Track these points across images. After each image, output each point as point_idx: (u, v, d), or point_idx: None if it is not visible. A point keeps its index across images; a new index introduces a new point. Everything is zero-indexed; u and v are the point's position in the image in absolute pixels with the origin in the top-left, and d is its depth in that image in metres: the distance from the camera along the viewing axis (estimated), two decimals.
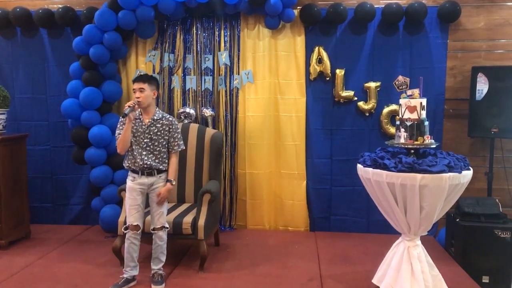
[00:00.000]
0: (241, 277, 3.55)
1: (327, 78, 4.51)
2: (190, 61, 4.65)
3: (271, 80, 4.58)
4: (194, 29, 4.63)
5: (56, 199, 4.91)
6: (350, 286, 3.37)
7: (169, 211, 3.76)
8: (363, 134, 4.55)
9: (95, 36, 4.23)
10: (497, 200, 3.88)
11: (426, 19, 4.36)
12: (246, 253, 4.05)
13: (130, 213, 3.28)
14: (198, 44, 4.64)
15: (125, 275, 3.32)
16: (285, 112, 4.58)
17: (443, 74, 4.43)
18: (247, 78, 4.60)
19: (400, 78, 3.13)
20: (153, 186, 3.29)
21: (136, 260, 3.34)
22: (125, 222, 3.39)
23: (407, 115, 3.00)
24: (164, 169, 3.31)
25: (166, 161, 3.33)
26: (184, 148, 3.43)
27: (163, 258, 3.39)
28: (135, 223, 3.26)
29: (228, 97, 4.64)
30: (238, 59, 4.61)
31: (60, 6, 4.58)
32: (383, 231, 4.43)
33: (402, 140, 3.01)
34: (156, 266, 3.37)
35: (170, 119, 3.35)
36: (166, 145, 3.33)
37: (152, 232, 3.34)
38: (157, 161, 3.27)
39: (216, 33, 4.61)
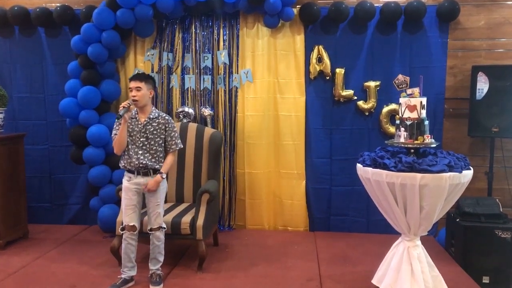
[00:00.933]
0: (240, 277, 3.53)
1: (327, 77, 4.49)
2: (189, 60, 4.63)
3: (270, 79, 4.55)
4: (193, 28, 4.61)
5: (54, 199, 4.89)
6: (349, 286, 3.35)
7: (168, 211, 3.75)
8: (363, 134, 4.52)
9: (93, 35, 4.21)
10: (497, 200, 3.86)
11: (426, 18, 4.34)
12: (245, 253, 4.03)
13: (126, 213, 3.25)
14: (197, 43, 4.61)
15: (123, 276, 3.30)
16: (285, 111, 4.56)
17: (443, 73, 4.40)
18: (246, 77, 4.58)
19: (400, 77, 3.11)
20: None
21: (134, 261, 3.32)
22: (122, 223, 3.35)
23: (407, 114, 2.97)
24: (160, 168, 3.28)
25: (163, 160, 3.30)
26: (182, 146, 3.40)
27: (161, 259, 3.37)
28: (131, 224, 3.24)
29: (227, 97, 4.62)
30: (237, 58, 4.58)
31: (58, 4, 4.56)
32: (383, 231, 4.41)
33: (402, 140, 2.99)
34: (154, 267, 3.35)
35: (166, 117, 3.31)
36: (163, 144, 3.29)
37: (149, 232, 3.31)
38: (153, 160, 3.24)
39: (215, 32, 4.59)
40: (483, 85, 4.03)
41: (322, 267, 3.73)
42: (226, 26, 4.58)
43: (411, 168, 2.76)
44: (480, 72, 4.05)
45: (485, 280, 3.59)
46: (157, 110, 3.35)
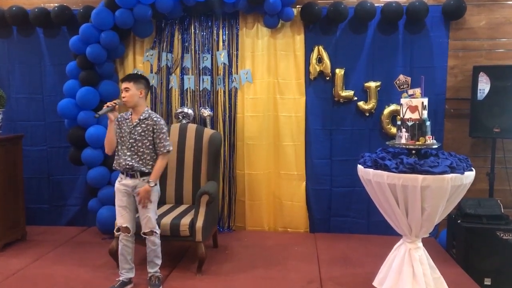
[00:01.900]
0: (240, 279, 3.50)
1: (327, 78, 4.46)
2: (188, 61, 4.60)
3: (270, 79, 4.53)
4: (192, 28, 4.58)
5: (53, 200, 4.86)
6: None
7: (167, 212, 3.72)
8: (363, 135, 4.50)
9: (92, 35, 4.18)
10: (499, 201, 3.84)
11: (427, 18, 4.31)
12: (245, 255, 4.00)
13: (119, 215, 3.22)
14: (196, 44, 4.58)
15: (121, 278, 3.27)
16: (284, 112, 4.53)
17: (444, 74, 4.38)
18: (246, 77, 4.55)
19: (401, 77, 3.08)
20: (137, 188, 3.17)
21: (132, 262, 3.29)
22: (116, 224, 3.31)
23: (408, 115, 2.95)
24: (148, 171, 3.17)
25: (151, 163, 3.19)
26: (171, 149, 3.23)
27: (159, 262, 3.33)
28: (124, 225, 3.20)
29: (226, 97, 4.59)
30: (237, 58, 4.56)
31: (56, 5, 4.53)
32: (383, 233, 4.37)
33: (403, 141, 2.96)
34: (152, 269, 3.31)
35: (155, 118, 3.21)
36: (150, 147, 3.18)
37: (143, 236, 3.24)
38: (140, 162, 3.15)
39: (215, 32, 4.56)
40: (484, 86, 4.01)
41: (323, 269, 3.70)
42: (226, 26, 4.55)
43: (412, 170, 2.73)
44: (481, 72, 4.03)
45: (487, 282, 3.57)
46: (149, 111, 3.25)
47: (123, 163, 3.16)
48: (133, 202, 3.24)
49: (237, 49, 4.55)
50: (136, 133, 3.16)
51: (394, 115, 4.38)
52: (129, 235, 3.22)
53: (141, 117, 3.20)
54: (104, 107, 3.09)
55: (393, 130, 4.36)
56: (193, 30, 4.58)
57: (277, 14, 4.29)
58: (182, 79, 4.61)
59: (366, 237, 4.48)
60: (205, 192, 3.61)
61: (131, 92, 3.14)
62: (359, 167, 3.06)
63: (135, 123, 3.18)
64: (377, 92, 4.42)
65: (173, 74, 4.61)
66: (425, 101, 2.94)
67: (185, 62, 4.60)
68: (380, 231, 4.43)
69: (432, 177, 2.68)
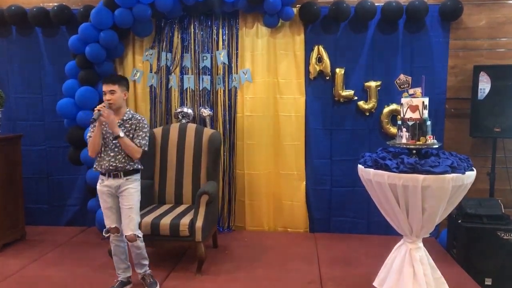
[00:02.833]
0: (240, 279, 3.49)
1: (327, 77, 4.45)
2: (187, 60, 4.59)
3: (270, 79, 4.51)
4: (192, 27, 4.56)
5: (52, 200, 4.84)
6: None
7: (166, 212, 3.71)
8: (363, 134, 4.48)
9: (91, 35, 4.16)
10: (499, 201, 3.82)
11: (427, 17, 4.30)
12: (244, 255, 3.99)
13: (106, 216, 3.19)
14: (196, 43, 4.57)
15: (119, 278, 3.27)
16: (284, 111, 4.52)
17: (444, 73, 4.37)
18: (246, 77, 4.54)
19: (402, 76, 3.07)
20: (120, 188, 3.13)
21: (127, 261, 3.28)
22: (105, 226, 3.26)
23: (409, 114, 2.93)
24: (132, 168, 3.14)
25: (135, 161, 3.16)
26: (146, 150, 3.16)
27: (146, 262, 3.28)
28: (113, 226, 3.17)
29: (226, 97, 4.58)
30: (237, 58, 4.54)
31: (55, 4, 4.51)
32: (383, 233, 4.38)
33: (404, 140, 2.94)
34: (141, 270, 3.28)
35: (139, 118, 3.18)
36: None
37: (126, 240, 3.18)
38: (123, 161, 3.10)
39: (214, 31, 4.55)
40: (485, 85, 3.99)
41: (323, 269, 3.69)
42: (226, 25, 4.53)
43: (413, 169, 2.71)
44: (482, 72, 4.02)
45: (488, 282, 3.56)
46: (131, 112, 3.22)
47: (106, 164, 3.09)
48: (118, 202, 3.18)
49: (237, 49, 4.54)
50: None
51: (393, 115, 4.37)
52: (119, 235, 3.19)
53: (124, 118, 3.15)
54: (95, 111, 3.01)
55: (393, 129, 4.36)
56: (192, 30, 4.57)
57: (277, 14, 4.28)
58: (182, 78, 4.60)
59: (366, 237, 4.47)
60: (205, 192, 3.60)
61: (117, 94, 3.09)
62: (360, 167, 3.04)
63: (118, 124, 3.10)
64: (377, 92, 4.41)
65: (172, 74, 4.60)
66: (426, 100, 2.92)
67: (185, 62, 4.59)
68: (380, 231, 4.43)
69: (433, 177, 2.67)
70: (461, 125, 4.34)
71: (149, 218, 3.53)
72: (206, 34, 4.57)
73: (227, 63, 4.54)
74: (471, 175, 2.79)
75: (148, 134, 3.21)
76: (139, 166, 3.23)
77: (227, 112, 4.59)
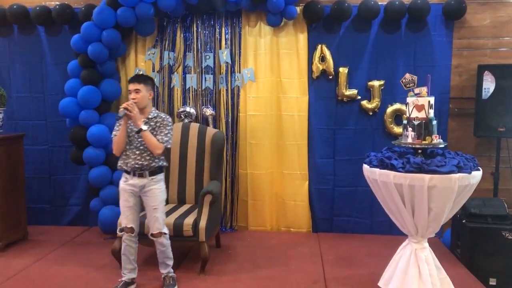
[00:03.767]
0: (244, 280, 3.47)
1: (330, 77, 4.43)
2: (190, 59, 4.57)
3: (273, 78, 4.50)
4: (195, 26, 4.55)
5: (54, 200, 4.82)
6: None
7: (170, 212, 3.69)
8: (367, 134, 4.47)
9: (94, 34, 4.15)
10: (503, 201, 3.81)
11: (430, 17, 4.28)
12: (248, 255, 3.97)
13: (124, 215, 3.19)
14: (199, 42, 4.55)
15: (123, 278, 3.25)
16: (287, 111, 4.50)
17: (448, 73, 4.35)
18: (249, 76, 4.52)
19: (407, 76, 3.05)
20: (145, 188, 3.15)
21: (134, 263, 3.27)
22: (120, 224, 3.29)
23: (414, 114, 2.92)
24: (157, 165, 3.17)
25: (160, 158, 3.20)
26: (169, 146, 3.19)
27: (170, 262, 3.32)
28: (129, 225, 3.17)
29: (229, 96, 4.56)
30: (239, 57, 4.53)
31: (57, 3, 4.49)
32: (387, 232, 4.38)
33: (409, 140, 2.93)
34: (165, 270, 3.30)
35: (163, 116, 3.22)
36: None
37: (151, 238, 3.22)
38: (148, 158, 3.13)
39: (217, 30, 4.53)
40: (489, 84, 3.98)
41: (327, 269, 3.67)
42: (228, 24, 4.52)
43: (419, 169, 2.70)
44: (486, 71, 4.00)
45: (492, 282, 3.54)
46: (157, 111, 3.27)
47: (132, 163, 3.13)
48: (139, 202, 3.22)
49: (239, 48, 4.52)
50: None
51: (397, 114, 4.36)
52: (132, 235, 3.19)
53: (149, 116, 3.19)
54: (120, 109, 3.04)
55: (396, 129, 4.35)
56: (195, 29, 4.55)
57: (280, 13, 4.26)
58: (184, 78, 4.58)
59: (369, 237, 4.45)
60: (209, 192, 3.58)
61: (142, 93, 3.13)
62: (365, 166, 3.03)
63: (143, 122, 3.13)
64: (381, 91, 4.40)
65: (175, 73, 4.58)
66: (432, 100, 2.90)
67: (188, 61, 4.57)
68: (383, 231, 4.43)
69: (439, 177, 2.65)
70: (465, 124, 4.33)
71: None
72: (209, 33, 4.55)
73: (230, 62, 4.52)
74: (477, 174, 2.78)
75: (171, 132, 3.23)
76: (164, 163, 3.26)
77: (229, 112, 4.57)
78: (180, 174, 4.08)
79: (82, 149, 4.28)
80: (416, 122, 2.90)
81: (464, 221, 3.70)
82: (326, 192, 4.55)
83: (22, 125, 4.71)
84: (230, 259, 3.89)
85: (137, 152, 3.14)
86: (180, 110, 4.52)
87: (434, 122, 2.90)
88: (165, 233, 3.23)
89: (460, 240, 3.82)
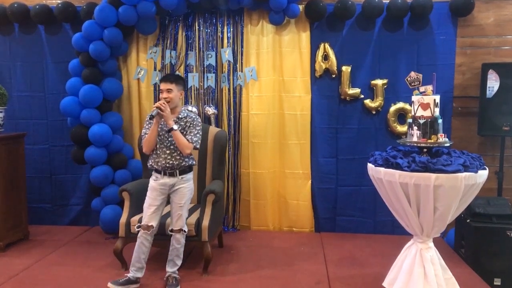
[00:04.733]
0: (247, 280, 3.45)
1: (333, 75, 4.41)
2: (192, 58, 4.54)
3: (275, 77, 4.47)
4: (197, 25, 4.52)
5: (55, 200, 4.79)
6: None
7: None
8: (370, 133, 4.44)
9: (95, 32, 4.12)
10: (508, 200, 3.79)
11: (433, 15, 4.26)
12: (250, 255, 3.95)
13: (147, 213, 3.21)
14: (201, 41, 4.53)
15: (128, 275, 3.23)
16: (290, 110, 4.48)
17: (451, 71, 4.32)
18: (251, 75, 4.49)
19: (413, 74, 3.03)
20: (175, 187, 3.24)
21: (144, 262, 3.25)
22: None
23: (420, 112, 2.89)
24: (187, 164, 3.25)
25: (190, 157, 3.27)
26: (198, 147, 3.26)
27: (179, 262, 3.31)
28: (150, 223, 3.19)
29: (231, 95, 4.54)
30: (242, 55, 4.50)
31: (59, 1, 4.46)
32: (390, 232, 4.37)
33: (415, 139, 2.91)
34: (171, 269, 3.29)
35: (193, 116, 3.29)
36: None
37: (170, 233, 3.27)
38: (178, 158, 3.20)
39: (219, 29, 4.51)
40: (493, 83, 3.96)
41: (330, 269, 3.65)
42: (230, 23, 4.49)
43: (425, 168, 2.67)
44: (490, 70, 3.98)
45: (497, 282, 3.52)
46: (186, 111, 3.34)
47: (163, 162, 3.17)
48: (165, 201, 3.27)
49: (241, 46, 4.50)
50: None
51: (400, 113, 4.34)
52: (149, 233, 3.21)
53: (180, 116, 3.23)
54: (153, 108, 3.07)
55: (399, 128, 4.33)
56: (197, 27, 4.52)
57: (283, 11, 4.24)
58: (186, 76, 4.56)
59: (372, 236, 4.43)
60: (211, 191, 3.56)
61: (174, 93, 3.18)
62: (370, 165, 3.00)
63: (174, 122, 3.16)
64: (384, 90, 4.37)
65: (177, 72, 4.55)
66: (437, 98, 2.88)
67: (189, 60, 4.55)
68: (386, 231, 4.42)
69: (445, 176, 2.63)
70: (469, 123, 4.31)
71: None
72: (211, 31, 4.52)
73: (232, 61, 4.50)
74: (483, 174, 2.76)
75: (200, 133, 3.28)
76: (193, 162, 3.34)
77: (232, 111, 4.55)
78: None
79: (84, 148, 4.26)
80: (421, 121, 2.87)
81: (468, 220, 3.68)
82: (328, 191, 4.53)
83: (23, 124, 4.68)
84: (233, 259, 3.87)
85: (168, 152, 3.18)
86: (181, 109, 4.48)
87: (440, 121, 2.87)
88: (184, 231, 3.27)
89: (464, 240, 3.80)
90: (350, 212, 4.54)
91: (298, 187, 4.53)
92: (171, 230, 3.27)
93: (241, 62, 4.51)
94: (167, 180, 3.22)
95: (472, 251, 3.63)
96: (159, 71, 4.56)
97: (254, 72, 4.48)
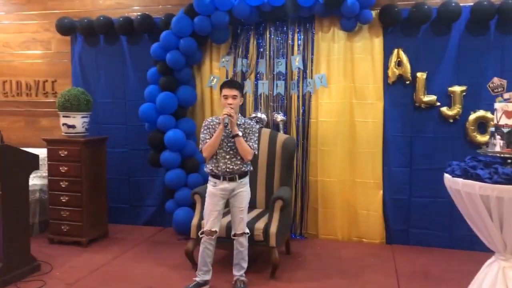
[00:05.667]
0: None
1: (407, 82, 4.26)
2: (262, 66, 4.61)
3: (346, 84, 4.41)
4: (268, 33, 4.58)
5: (132, 200, 5.06)
6: None
7: None
8: (447, 142, 4.23)
9: (172, 42, 4.32)
10: None
11: None
12: (318, 264, 3.91)
13: (209, 219, 3.28)
14: (271, 49, 4.58)
15: (197, 279, 3.32)
16: (361, 117, 4.39)
17: None
18: (321, 82, 4.47)
19: (496, 80, 2.86)
20: (234, 191, 3.29)
21: (210, 265, 3.34)
22: (202, 226, 3.38)
23: (503, 120, 2.70)
24: (246, 169, 3.31)
25: (248, 162, 3.33)
26: (256, 153, 3.34)
27: (245, 265, 3.37)
28: (213, 229, 3.26)
29: (300, 102, 4.54)
30: (312, 62, 4.50)
31: (139, 13, 4.74)
32: (468, 248, 4.12)
33: (497, 148, 2.72)
34: (238, 273, 3.35)
35: (251, 123, 3.37)
36: None
37: (233, 238, 3.32)
38: (238, 163, 3.26)
39: (290, 37, 4.54)
40: None
41: (402, 283, 3.51)
42: (301, 30, 4.51)
43: (509, 180, 2.49)
44: None
45: None
46: (242, 117, 3.43)
47: (223, 167, 3.24)
48: (224, 206, 3.34)
49: (312, 53, 4.49)
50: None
51: (481, 122, 4.08)
52: (212, 238, 3.28)
53: (238, 122, 3.29)
54: (224, 116, 3.13)
55: (480, 138, 4.08)
56: (268, 35, 4.58)
57: (355, 17, 4.18)
58: (257, 84, 4.63)
59: (448, 251, 4.20)
60: (280, 198, 3.58)
61: (238, 99, 3.26)
62: (447, 176, 2.85)
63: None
64: (462, 97, 4.14)
65: (247, 79, 4.65)
66: None
67: (260, 67, 4.62)
68: (463, 246, 4.17)
69: None
70: None
71: (223, 221, 3.55)
72: (281, 39, 4.57)
73: (302, 68, 4.51)
74: None
75: (257, 137, 3.36)
76: (250, 168, 3.40)
77: (300, 118, 4.54)
78: (251, 178, 4.08)
79: (159, 152, 4.46)
80: (505, 130, 2.68)
81: None
82: (401, 202, 4.37)
83: (105, 129, 4.99)
84: (300, 266, 3.85)
85: (227, 157, 3.25)
86: (251, 116, 4.56)
87: None
88: (247, 233, 3.32)
89: None
90: (424, 225, 4.34)
91: (368, 197, 4.42)
92: (234, 235, 3.31)
93: (311, 69, 4.50)
94: (227, 185, 3.27)
95: None
96: (231, 79, 4.66)
97: (324, 78, 4.46)
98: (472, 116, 4.11)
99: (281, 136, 4.17)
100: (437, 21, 4.16)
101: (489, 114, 3.99)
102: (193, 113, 4.81)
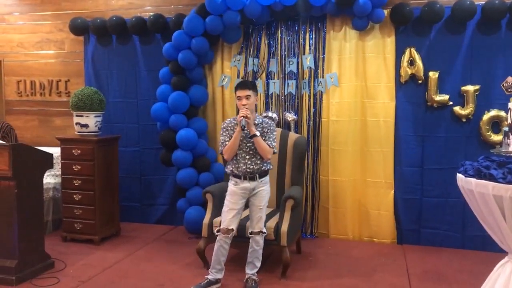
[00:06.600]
0: (325, 287, 3.41)
1: (419, 81, 4.24)
2: (274, 65, 4.62)
3: (358, 83, 4.40)
4: (279, 32, 4.59)
5: (143, 199, 5.09)
6: None
7: None
8: (459, 142, 4.20)
9: (184, 42, 4.35)
10: None
11: None
12: (329, 263, 3.90)
13: (227, 217, 3.30)
14: (283, 48, 4.59)
15: (209, 277, 3.34)
16: (373, 116, 4.37)
17: None
18: (332, 81, 4.47)
19: (510, 79, 2.84)
20: (255, 190, 3.33)
21: (223, 264, 3.35)
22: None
23: None
24: (266, 169, 3.35)
25: (268, 161, 3.35)
26: (276, 152, 3.36)
27: (258, 264, 3.38)
28: (230, 227, 3.28)
29: (311, 101, 4.54)
30: (323, 62, 4.49)
31: (151, 13, 4.78)
32: (480, 248, 4.09)
33: (511, 149, 2.70)
34: (251, 271, 3.37)
35: (269, 122, 3.39)
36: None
37: (250, 236, 3.35)
38: (259, 162, 3.30)
39: (301, 36, 4.54)
40: None
41: (413, 282, 3.49)
42: (313, 30, 4.50)
43: None
44: None
45: None
46: (259, 116, 3.44)
47: (243, 167, 3.28)
48: (244, 205, 3.37)
49: (323, 53, 4.49)
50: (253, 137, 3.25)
51: (495, 121, 4.05)
52: (229, 236, 3.29)
53: (256, 121, 3.32)
54: (240, 118, 3.17)
55: (494, 137, 4.04)
56: (279, 35, 4.59)
57: (367, 16, 4.16)
58: (268, 83, 4.64)
59: (460, 251, 4.17)
60: (291, 197, 3.58)
61: (252, 99, 3.27)
62: (459, 176, 2.83)
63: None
64: (476, 97, 4.11)
65: (259, 79, 4.66)
66: None
67: (271, 67, 4.63)
68: (475, 246, 4.15)
69: None
70: None
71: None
72: (292, 39, 4.57)
73: (313, 67, 4.50)
74: None
75: (275, 136, 3.38)
76: (270, 167, 3.44)
77: (311, 117, 4.54)
78: None
79: (171, 151, 4.50)
80: None
81: None
82: (412, 202, 4.35)
83: (117, 128, 5.04)
84: (311, 265, 3.85)
85: (247, 157, 3.28)
86: (262, 115, 4.57)
87: None
88: (264, 232, 3.34)
89: None
90: (436, 225, 4.32)
91: (380, 197, 4.40)
92: (251, 233, 3.34)
93: (322, 68, 4.50)
94: (248, 184, 3.31)
95: None
96: (242, 78, 4.68)
97: (335, 78, 4.45)
98: (486, 116, 4.07)
99: (292, 136, 4.17)
100: (452, 19, 4.13)
101: (502, 113, 3.95)
102: (204, 113, 4.83)
